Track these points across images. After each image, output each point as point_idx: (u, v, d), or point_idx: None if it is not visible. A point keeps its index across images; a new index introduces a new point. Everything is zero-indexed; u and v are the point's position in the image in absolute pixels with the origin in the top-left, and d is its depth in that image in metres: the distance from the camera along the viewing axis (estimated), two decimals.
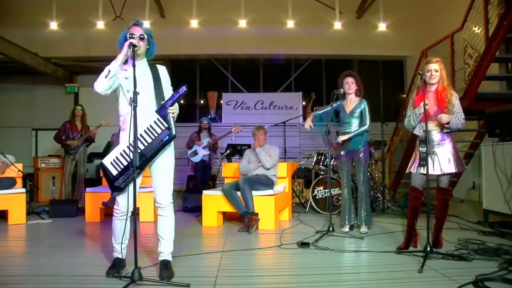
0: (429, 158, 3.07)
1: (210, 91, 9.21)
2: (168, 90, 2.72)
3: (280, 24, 8.39)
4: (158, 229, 2.68)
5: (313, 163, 5.90)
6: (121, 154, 2.53)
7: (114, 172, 2.53)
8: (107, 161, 2.55)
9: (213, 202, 4.57)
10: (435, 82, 3.19)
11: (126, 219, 2.64)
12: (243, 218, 4.32)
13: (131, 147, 2.48)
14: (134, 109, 2.36)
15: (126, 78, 2.60)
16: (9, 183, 4.86)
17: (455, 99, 3.14)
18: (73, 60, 8.57)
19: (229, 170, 5.34)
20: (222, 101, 9.11)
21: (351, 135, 4.01)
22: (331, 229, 3.85)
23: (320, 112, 4.29)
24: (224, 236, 4.02)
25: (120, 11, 8.17)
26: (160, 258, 2.66)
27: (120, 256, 2.68)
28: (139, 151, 2.47)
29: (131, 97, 2.39)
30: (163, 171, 2.63)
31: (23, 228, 4.51)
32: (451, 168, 3.14)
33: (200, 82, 9.47)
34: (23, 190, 4.89)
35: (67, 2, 8.19)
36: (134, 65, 2.43)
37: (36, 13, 8.23)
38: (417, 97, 3.25)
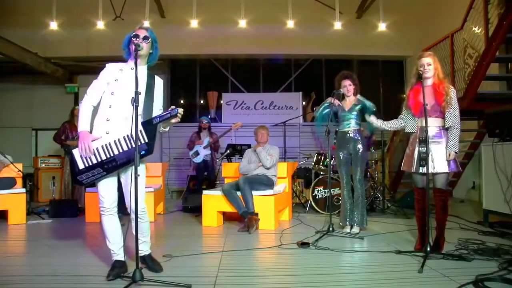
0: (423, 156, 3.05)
1: (210, 91, 9.22)
2: (157, 105, 2.66)
3: (280, 24, 8.38)
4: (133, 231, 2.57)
5: (313, 163, 5.90)
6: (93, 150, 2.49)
7: (81, 166, 2.50)
8: (77, 152, 2.52)
9: (213, 202, 4.57)
10: (430, 76, 3.18)
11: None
12: (243, 218, 4.32)
13: (104, 148, 2.48)
14: (136, 108, 2.36)
15: (116, 80, 2.56)
16: (9, 183, 4.86)
17: (452, 92, 3.11)
18: (73, 60, 8.57)
19: (229, 170, 5.34)
20: (222, 101, 9.10)
21: (374, 122, 3.81)
22: (331, 229, 3.86)
23: (320, 113, 4.26)
24: (224, 236, 4.02)
25: (120, 11, 8.17)
26: (142, 254, 2.68)
27: (119, 258, 2.62)
28: (111, 155, 2.47)
29: (132, 97, 2.39)
30: (139, 180, 2.50)
31: (23, 228, 4.51)
32: (444, 167, 3.09)
33: (200, 82, 9.46)
34: (23, 190, 4.89)
35: (67, 2, 8.17)
36: (136, 65, 2.45)
37: (36, 13, 8.22)
38: (411, 92, 3.26)
